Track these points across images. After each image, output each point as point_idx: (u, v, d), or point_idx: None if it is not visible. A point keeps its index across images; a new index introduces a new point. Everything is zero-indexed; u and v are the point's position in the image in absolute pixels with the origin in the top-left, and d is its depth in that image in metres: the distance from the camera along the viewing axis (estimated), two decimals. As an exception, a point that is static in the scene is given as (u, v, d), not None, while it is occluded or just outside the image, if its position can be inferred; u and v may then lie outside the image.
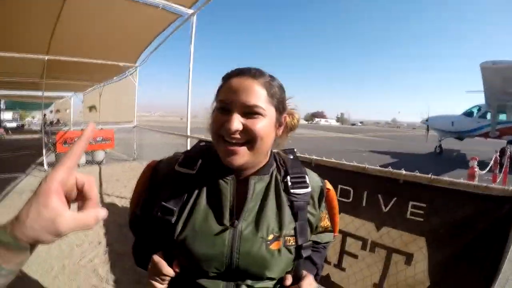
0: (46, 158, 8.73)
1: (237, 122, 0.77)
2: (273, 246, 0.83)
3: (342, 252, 2.00)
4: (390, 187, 1.74)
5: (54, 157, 8.92)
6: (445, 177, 1.57)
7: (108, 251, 3.70)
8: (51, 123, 20.23)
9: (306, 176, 0.94)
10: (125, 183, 7.09)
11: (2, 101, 27.42)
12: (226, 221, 0.83)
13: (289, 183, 0.90)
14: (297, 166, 0.96)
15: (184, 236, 0.82)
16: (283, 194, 0.89)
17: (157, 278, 0.84)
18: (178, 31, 6.10)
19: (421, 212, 1.63)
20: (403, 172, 1.68)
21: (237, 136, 0.78)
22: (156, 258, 0.85)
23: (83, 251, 3.71)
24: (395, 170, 1.72)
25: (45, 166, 8.59)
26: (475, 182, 1.51)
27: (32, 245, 0.45)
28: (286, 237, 0.85)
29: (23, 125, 33.53)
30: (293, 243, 0.87)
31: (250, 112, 0.79)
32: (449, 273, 1.56)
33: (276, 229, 0.85)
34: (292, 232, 0.87)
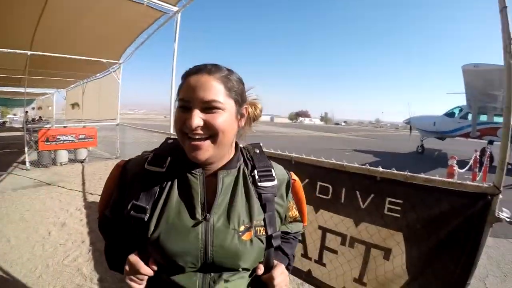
0: (28, 156, 8.55)
1: (197, 118, 0.79)
2: (245, 237, 0.86)
3: (322, 247, 2.03)
4: (368, 184, 1.78)
5: (36, 156, 8.74)
6: (423, 175, 1.61)
7: (92, 250, 3.67)
8: (33, 120, 19.76)
9: (272, 170, 0.98)
10: (109, 182, 6.99)
11: (-18, 98, 26.60)
12: (199, 215, 0.85)
13: (256, 177, 0.94)
14: (263, 160, 0.99)
15: (158, 233, 0.83)
16: (251, 187, 0.92)
17: (135, 279, 0.85)
18: (163, 28, 6.07)
19: (398, 208, 1.67)
20: (380, 169, 1.73)
21: (199, 131, 0.80)
22: (133, 258, 0.86)
23: (67, 250, 3.67)
24: (372, 168, 1.77)
25: (27, 165, 8.41)
26: (450, 179, 1.55)
27: None
28: (256, 228, 0.88)
29: (4, 123, 32.68)
30: (263, 233, 0.90)
31: (209, 107, 0.81)
32: (427, 267, 1.61)
33: (246, 220, 0.88)
34: (262, 222, 0.90)
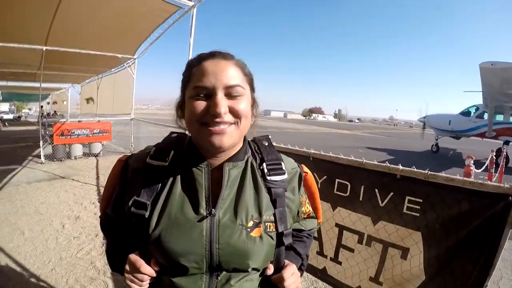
0: (43, 150, 8.70)
1: (224, 104, 0.75)
2: (254, 233, 0.80)
3: (339, 245, 2.01)
4: (387, 182, 1.75)
5: (51, 149, 8.89)
6: (443, 174, 1.57)
7: (105, 243, 3.70)
8: (48, 114, 20.12)
9: (282, 163, 0.93)
10: (122, 176, 7.08)
11: (-1, 93, 27.18)
12: (203, 210, 0.79)
13: (266, 170, 0.88)
14: (273, 153, 0.94)
15: (159, 230, 0.78)
16: (260, 181, 0.87)
17: (135, 280, 0.81)
18: (179, 23, 6.07)
19: (417, 207, 1.64)
20: (400, 167, 1.69)
21: (225, 119, 0.76)
22: (133, 257, 0.82)
23: (80, 243, 3.73)
24: (392, 165, 1.73)
25: (42, 158, 8.57)
26: (471, 179, 1.51)
27: None
28: (266, 223, 0.83)
29: (19, 117, 33.40)
30: (273, 230, 0.84)
31: (232, 93, 0.78)
32: (444, 268, 1.57)
33: (255, 215, 0.82)
34: (272, 218, 0.85)
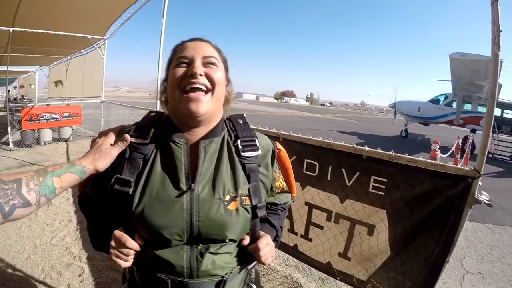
0: (11, 136, 8.34)
1: (201, 67, 0.86)
2: (231, 207, 0.85)
3: (309, 223, 2.10)
4: (354, 162, 1.84)
5: (20, 135, 8.54)
6: (406, 155, 1.67)
7: (79, 228, 3.67)
8: (15, 99, 19.23)
9: (256, 140, 0.97)
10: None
11: (-39, 77, 25.59)
12: (183, 185, 0.83)
13: (240, 146, 0.93)
14: (247, 130, 0.98)
15: (142, 206, 0.81)
16: (235, 157, 0.91)
17: (121, 255, 0.83)
18: (151, 3, 5.91)
19: (382, 186, 1.74)
20: (366, 148, 1.79)
21: (201, 80, 0.85)
22: (118, 233, 0.84)
23: (54, 230, 3.67)
24: (358, 147, 1.82)
25: (11, 145, 8.20)
26: (433, 161, 1.61)
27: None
28: (242, 197, 0.88)
29: (-16, 102, 31.57)
30: (248, 203, 0.89)
31: (208, 62, 0.89)
32: (409, 244, 1.69)
33: (231, 189, 0.87)
34: (247, 192, 0.89)
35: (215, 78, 0.88)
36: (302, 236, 2.15)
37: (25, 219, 3.79)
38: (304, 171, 2.06)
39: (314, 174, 2.02)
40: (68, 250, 3.20)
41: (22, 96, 23.93)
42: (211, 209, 0.83)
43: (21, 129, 8.41)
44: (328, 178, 1.95)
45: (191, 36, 0.96)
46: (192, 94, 0.84)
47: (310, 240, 2.11)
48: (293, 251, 2.22)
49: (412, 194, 1.65)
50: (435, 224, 1.58)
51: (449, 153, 7.42)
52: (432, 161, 1.62)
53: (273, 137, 2.18)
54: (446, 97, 16.19)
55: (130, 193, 0.83)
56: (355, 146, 1.83)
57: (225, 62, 0.97)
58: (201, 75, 0.85)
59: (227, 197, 0.85)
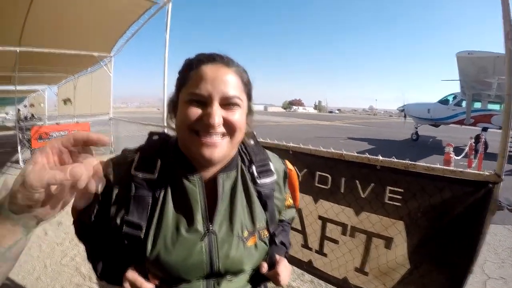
0: (22, 155, 8.44)
1: (219, 115, 0.72)
2: (249, 242, 0.81)
3: (323, 237, 2.03)
4: (368, 173, 1.76)
5: (30, 154, 8.64)
6: (422, 163, 1.60)
7: (89, 248, 3.63)
8: (25, 118, 19.61)
9: (270, 163, 0.91)
10: (105, 178, 6.91)
11: (-28, 98, 26.27)
12: (200, 227, 0.77)
13: (255, 173, 0.87)
14: (260, 152, 0.92)
15: (157, 251, 0.75)
16: (250, 186, 0.85)
17: None
18: (154, 19, 5.97)
19: (399, 197, 1.66)
20: (380, 158, 1.71)
21: (218, 130, 0.73)
22: (131, 275, 0.77)
23: (64, 249, 3.63)
24: (372, 156, 1.75)
25: (21, 164, 8.30)
26: (451, 168, 1.54)
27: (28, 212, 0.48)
28: (260, 231, 0.84)
29: (-5, 122, 32.34)
30: (267, 235, 0.86)
31: (229, 103, 0.74)
32: (428, 256, 1.60)
33: (249, 224, 0.83)
34: (264, 224, 0.85)
35: (236, 123, 0.75)
36: (316, 252, 2.08)
37: (35, 238, 3.86)
38: (316, 184, 1.99)
39: (326, 187, 1.95)
40: (78, 270, 3.15)
41: (32, 114, 24.39)
42: (230, 248, 0.79)
43: (31, 147, 8.52)
44: (342, 190, 1.88)
45: (206, 49, 0.81)
46: (207, 140, 0.72)
47: (325, 255, 2.03)
48: (307, 267, 2.14)
49: (430, 203, 1.57)
50: (456, 234, 1.50)
51: (462, 154, 7.27)
52: (450, 168, 1.54)
53: (282, 150, 2.13)
54: (455, 97, 15.99)
55: (142, 237, 0.76)
56: (368, 156, 1.76)
57: (248, 90, 0.82)
58: (219, 124, 0.72)
59: (245, 233, 0.82)
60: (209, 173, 0.82)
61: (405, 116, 18.83)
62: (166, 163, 0.81)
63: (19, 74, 9.25)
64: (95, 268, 0.89)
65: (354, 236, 1.87)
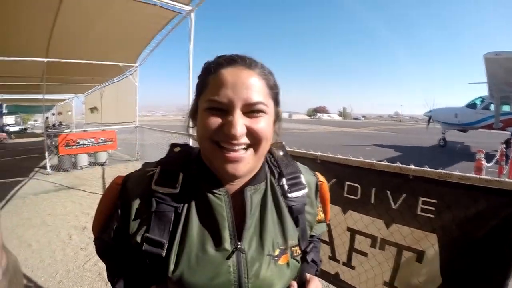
0: (49, 161, 8.74)
1: (241, 125, 0.64)
2: (281, 261, 0.74)
3: (351, 250, 1.96)
4: (399, 183, 1.69)
5: (57, 160, 8.94)
6: (456, 171, 1.52)
7: (113, 254, 3.67)
8: (53, 125, 20.36)
9: (301, 175, 0.84)
10: (129, 184, 7.04)
11: (4, 106, 27.57)
12: (227, 244, 0.70)
13: (286, 187, 0.80)
14: (290, 164, 0.85)
15: (180, 271, 0.69)
16: (281, 200, 0.79)
17: None
18: (178, 28, 6.09)
19: (432, 208, 1.58)
20: (412, 167, 1.63)
21: (241, 141, 0.66)
22: None
23: (88, 254, 3.70)
24: (404, 166, 1.67)
25: (48, 169, 8.60)
26: (487, 177, 1.45)
27: None
28: (292, 248, 0.77)
29: (25, 129, 33.83)
30: (299, 253, 0.79)
31: (252, 110, 0.66)
32: (462, 270, 1.51)
33: (281, 241, 0.76)
34: (297, 241, 0.79)
35: (261, 131, 0.67)
36: (344, 264, 2.01)
37: (60, 242, 3.95)
38: (345, 195, 1.92)
39: (356, 198, 1.88)
40: (101, 276, 3.20)
41: (60, 122, 25.32)
42: (261, 268, 0.71)
43: (58, 154, 8.81)
44: (372, 201, 1.81)
45: (229, 50, 0.73)
46: (230, 154, 0.66)
47: (353, 268, 1.96)
48: (334, 279, 2.07)
49: (466, 215, 1.47)
50: (492, 247, 1.40)
51: (494, 161, 6.97)
52: (486, 177, 1.44)
53: (310, 159, 2.08)
54: (483, 100, 15.54)
55: (163, 255, 0.69)
56: (400, 165, 1.68)
57: (275, 94, 0.74)
58: (242, 134, 0.65)
59: (277, 251, 0.74)
60: (235, 186, 0.75)
61: (428, 122, 18.41)
62: (188, 176, 0.75)
63: (47, 84, 9.61)
64: (113, 286, 0.85)
65: (384, 249, 1.79)
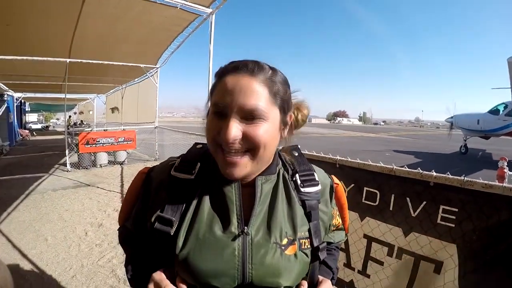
0: (69, 158, 8.95)
1: (235, 129, 0.67)
2: (289, 251, 0.75)
3: (367, 258, 1.90)
4: (420, 190, 1.63)
5: (77, 158, 9.14)
6: (479, 179, 1.45)
7: (127, 251, 3.71)
8: (75, 124, 20.89)
9: (315, 173, 0.87)
10: (145, 184, 7.11)
11: (27, 104, 28.48)
12: (234, 228, 0.73)
13: (299, 181, 0.82)
14: (304, 163, 0.88)
15: (187, 250, 0.72)
16: (293, 193, 0.81)
17: None
18: (199, 30, 6.14)
19: (453, 217, 1.51)
20: (434, 174, 1.57)
21: (236, 145, 0.68)
22: (157, 276, 0.74)
23: (102, 250, 3.76)
24: (425, 172, 1.61)
25: (68, 166, 8.81)
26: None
27: None
28: (301, 240, 0.77)
29: (47, 127, 34.84)
30: (308, 246, 0.79)
31: (249, 116, 0.68)
32: (482, 283, 1.45)
33: (290, 232, 0.77)
34: (307, 234, 0.79)
35: (257, 138, 0.69)
36: (359, 272, 1.95)
37: (75, 238, 4.03)
38: (363, 201, 1.87)
39: (374, 204, 1.83)
40: (114, 272, 3.24)
41: (82, 121, 25.99)
42: (266, 255, 0.72)
43: (78, 152, 9.01)
44: (391, 208, 1.75)
45: (244, 55, 0.75)
46: (227, 157, 0.70)
47: (368, 276, 1.89)
48: (348, 287, 2.01)
49: (487, 225, 1.41)
50: None
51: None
52: (511, 186, 1.36)
53: (329, 163, 2.05)
54: (506, 106, 15.07)
55: (172, 233, 0.73)
56: (421, 171, 1.62)
57: (281, 101, 0.74)
58: (234, 141, 0.67)
59: (285, 241, 0.75)
60: (247, 177, 0.78)
61: (450, 128, 17.98)
62: (205, 167, 0.81)
63: (68, 83, 9.88)
64: (129, 276, 0.89)
65: (401, 258, 1.73)
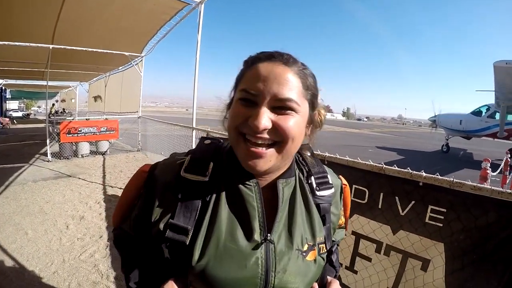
0: (50, 148, 8.70)
1: (266, 118, 0.62)
2: (309, 257, 0.73)
3: (355, 254, 1.93)
4: (409, 190, 1.65)
5: (58, 147, 8.91)
6: (468, 181, 1.49)
7: (110, 246, 3.63)
8: (56, 112, 20.37)
9: (328, 176, 0.84)
10: (129, 175, 7.00)
11: (8, 91, 27.62)
12: (257, 236, 0.69)
13: (314, 185, 0.80)
14: (318, 164, 0.85)
15: (206, 261, 0.66)
16: (309, 197, 0.78)
17: None
18: (187, 20, 6.03)
19: (441, 217, 1.54)
20: (423, 174, 1.59)
21: (264, 135, 0.63)
22: (169, 287, 0.69)
23: (84, 245, 3.66)
24: (414, 172, 1.63)
25: (49, 156, 8.57)
26: (500, 188, 1.42)
27: None
28: (319, 245, 0.76)
29: (28, 115, 33.90)
30: (325, 251, 0.78)
31: (281, 106, 0.64)
32: (468, 282, 1.48)
33: (309, 237, 0.75)
34: (323, 239, 0.78)
35: (287, 129, 0.64)
36: (346, 268, 1.97)
37: (56, 232, 3.91)
38: (352, 198, 1.87)
39: (363, 202, 1.84)
40: (97, 267, 3.15)
41: (63, 109, 25.36)
42: (289, 262, 0.70)
43: (59, 141, 8.77)
44: (379, 206, 1.77)
45: (272, 47, 0.71)
46: (251, 148, 0.64)
47: (356, 272, 1.92)
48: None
49: (475, 226, 1.44)
50: (499, 260, 1.37)
51: (498, 170, 6.90)
52: (499, 189, 1.41)
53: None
54: (488, 109, 15.55)
55: (187, 243, 0.67)
56: (410, 171, 1.64)
57: (312, 95, 0.71)
58: (265, 129, 0.62)
59: (305, 247, 0.73)
60: (266, 179, 0.74)
61: (435, 127, 18.40)
62: (219, 167, 0.74)
63: (51, 70, 9.57)
64: (128, 278, 0.82)
65: (389, 255, 1.76)
